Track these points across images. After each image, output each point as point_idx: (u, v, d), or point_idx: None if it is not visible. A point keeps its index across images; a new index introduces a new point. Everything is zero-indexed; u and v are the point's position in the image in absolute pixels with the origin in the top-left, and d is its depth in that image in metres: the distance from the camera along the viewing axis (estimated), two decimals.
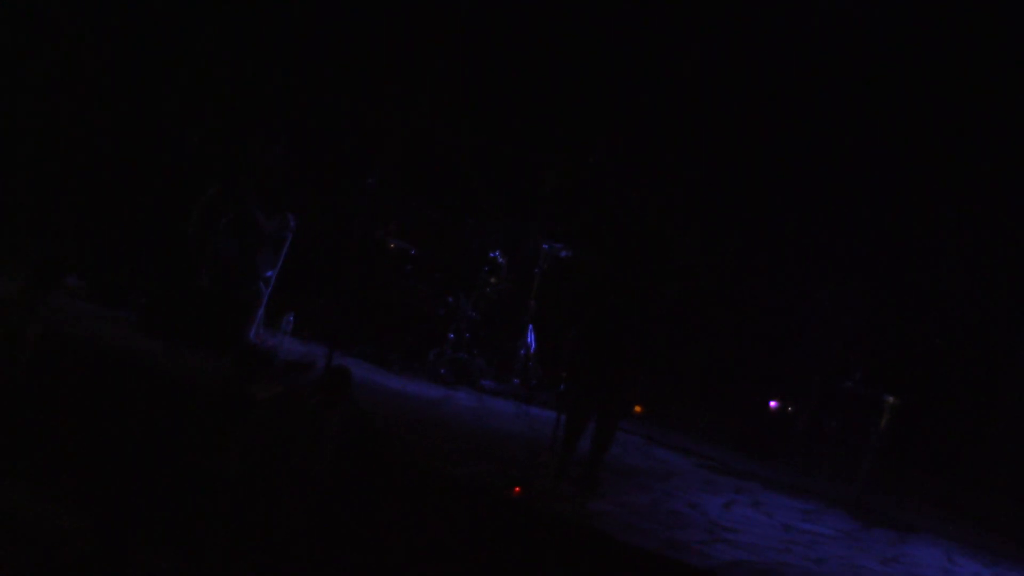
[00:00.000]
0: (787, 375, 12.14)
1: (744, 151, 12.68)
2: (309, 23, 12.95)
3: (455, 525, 7.69)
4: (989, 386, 12.27)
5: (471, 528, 7.67)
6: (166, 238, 11.00)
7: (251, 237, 10.52)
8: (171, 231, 10.87)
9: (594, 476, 8.74)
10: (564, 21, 12.91)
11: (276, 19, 12.84)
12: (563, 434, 8.77)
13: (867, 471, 10.54)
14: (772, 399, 11.80)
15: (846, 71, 12.30)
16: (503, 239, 11.98)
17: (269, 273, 10.56)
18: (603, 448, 8.78)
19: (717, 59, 12.72)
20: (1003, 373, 12.28)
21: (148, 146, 11.99)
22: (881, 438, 10.54)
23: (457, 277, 11.79)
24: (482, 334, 11.71)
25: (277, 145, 11.10)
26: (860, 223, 12.46)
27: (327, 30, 12.94)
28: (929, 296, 12.20)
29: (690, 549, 7.82)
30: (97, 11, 12.49)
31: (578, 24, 12.90)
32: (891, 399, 10.54)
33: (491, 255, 11.73)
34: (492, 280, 11.70)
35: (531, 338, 11.65)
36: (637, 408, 10.88)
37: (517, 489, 8.11)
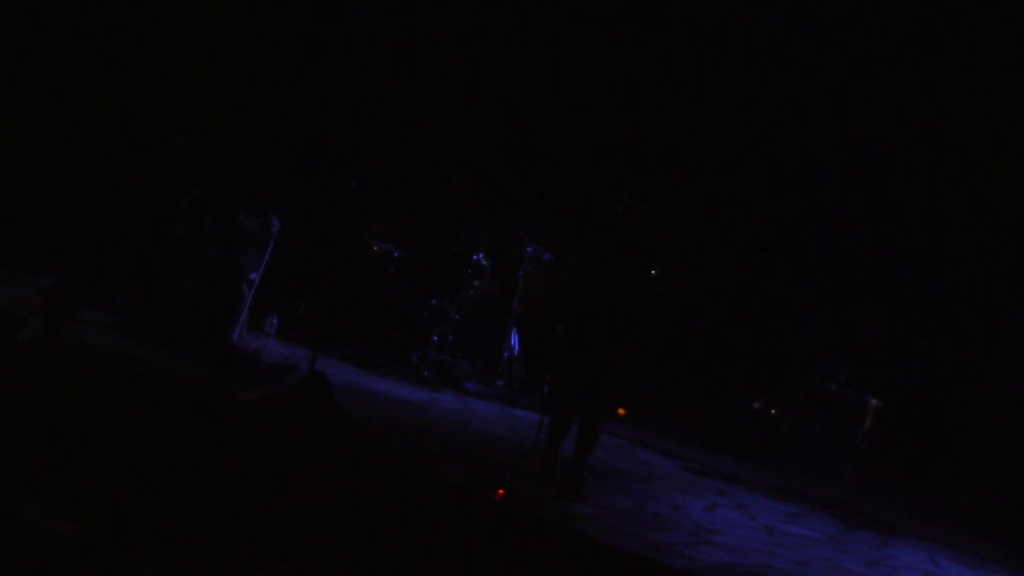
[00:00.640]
0: (771, 378, 12.14)
1: (726, 155, 12.71)
2: (294, 27, 12.94)
3: (438, 528, 7.67)
4: (973, 388, 12.30)
5: (454, 531, 7.66)
6: (149, 240, 10.97)
7: (234, 239, 10.49)
8: (154, 233, 10.85)
9: (578, 478, 8.71)
10: (549, 24, 12.92)
11: (261, 23, 12.83)
12: (546, 436, 8.76)
13: (851, 473, 10.55)
14: (756, 401, 11.80)
15: (832, 70, 12.32)
16: (487, 242, 11.96)
17: (253, 275, 10.53)
18: (587, 450, 8.76)
19: (699, 63, 12.74)
20: (987, 375, 12.31)
21: (131, 149, 11.97)
22: (865, 440, 10.56)
23: (441, 279, 11.77)
24: (466, 336, 11.70)
25: (261, 150, 11.06)
26: (844, 225, 12.48)
27: (311, 33, 12.93)
28: (913, 298, 12.22)
29: (673, 552, 7.81)
30: (80, 15, 12.45)
31: (563, 27, 12.91)
32: (875, 401, 10.56)
33: (475, 258, 11.72)
34: (476, 283, 11.69)
35: (515, 341, 11.64)
36: (620, 411, 10.87)
37: (501, 492, 8.09)
